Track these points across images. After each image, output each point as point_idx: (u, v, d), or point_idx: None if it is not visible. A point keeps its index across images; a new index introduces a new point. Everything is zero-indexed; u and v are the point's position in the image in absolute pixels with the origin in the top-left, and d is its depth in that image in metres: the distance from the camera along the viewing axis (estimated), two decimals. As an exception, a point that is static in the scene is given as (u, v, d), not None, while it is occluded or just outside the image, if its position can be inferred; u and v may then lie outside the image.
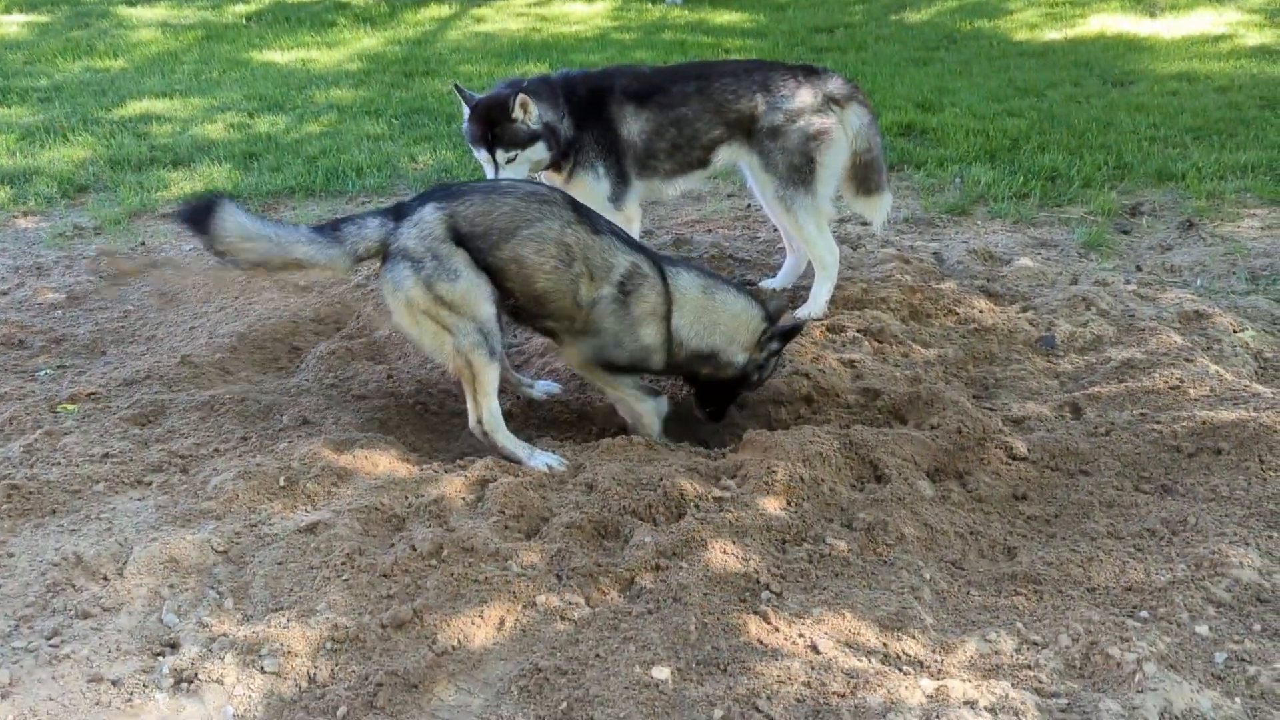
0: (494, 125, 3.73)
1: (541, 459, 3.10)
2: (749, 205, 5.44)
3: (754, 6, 10.60)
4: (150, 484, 2.96)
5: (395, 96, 7.67)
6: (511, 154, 3.76)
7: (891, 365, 3.65)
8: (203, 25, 9.67)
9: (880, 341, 3.81)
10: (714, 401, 3.39)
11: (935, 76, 7.80)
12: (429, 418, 3.59)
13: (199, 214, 2.97)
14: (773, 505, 2.79)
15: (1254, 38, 8.54)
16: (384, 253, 3.04)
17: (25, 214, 5.36)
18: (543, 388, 3.69)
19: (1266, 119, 6.43)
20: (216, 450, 3.16)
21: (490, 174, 3.80)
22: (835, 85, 3.89)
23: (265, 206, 5.64)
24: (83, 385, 3.57)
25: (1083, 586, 2.54)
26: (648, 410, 3.29)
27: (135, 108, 7.11)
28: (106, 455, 3.07)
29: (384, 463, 3.08)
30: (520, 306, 3.14)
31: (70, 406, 3.36)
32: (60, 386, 3.58)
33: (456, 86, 3.91)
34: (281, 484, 2.93)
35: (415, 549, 2.64)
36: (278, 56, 8.73)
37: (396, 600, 2.48)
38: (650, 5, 10.68)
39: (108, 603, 2.49)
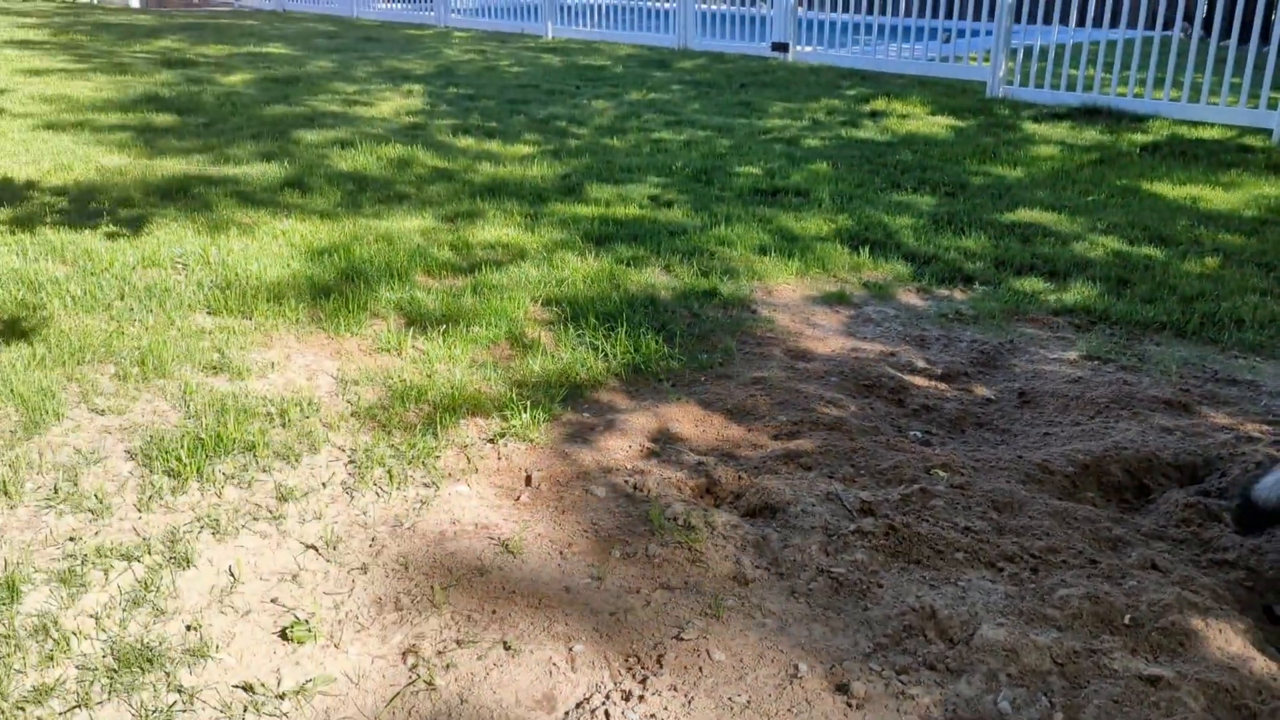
0: None
1: None
2: None
3: None
4: (1002, 570, 3.15)
5: (1293, 252, 7.00)
6: None
7: None
8: (1098, 148, 9.93)
9: None
10: None
11: None
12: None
13: None
14: None
15: None
16: None
17: (918, 290, 6.07)
18: None
19: None
20: (1064, 562, 3.24)
21: None
22: None
23: (1130, 335, 5.60)
24: (950, 455, 3.93)
25: None
26: None
27: (1024, 215, 7.59)
28: (967, 529, 3.35)
29: (1238, 643, 2.85)
30: None
31: (942, 473, 3.72)
32: (932, 451, 3.99)
33: None
34: (1125, 622, 2.90)
35: (1269, 755, 2.40)
36: (1167, 190, 8.58)
37: (1239, 799, 2.29)
38: None
39: (952, 665, 2.72)
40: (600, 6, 17.88)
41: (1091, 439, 4.28)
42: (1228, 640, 2.85)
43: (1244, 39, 11.24)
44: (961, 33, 13.82)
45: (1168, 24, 11.71)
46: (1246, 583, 3.31)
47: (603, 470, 3.69)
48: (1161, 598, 2.98)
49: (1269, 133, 10.50)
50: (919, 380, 4.87)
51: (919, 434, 4.31)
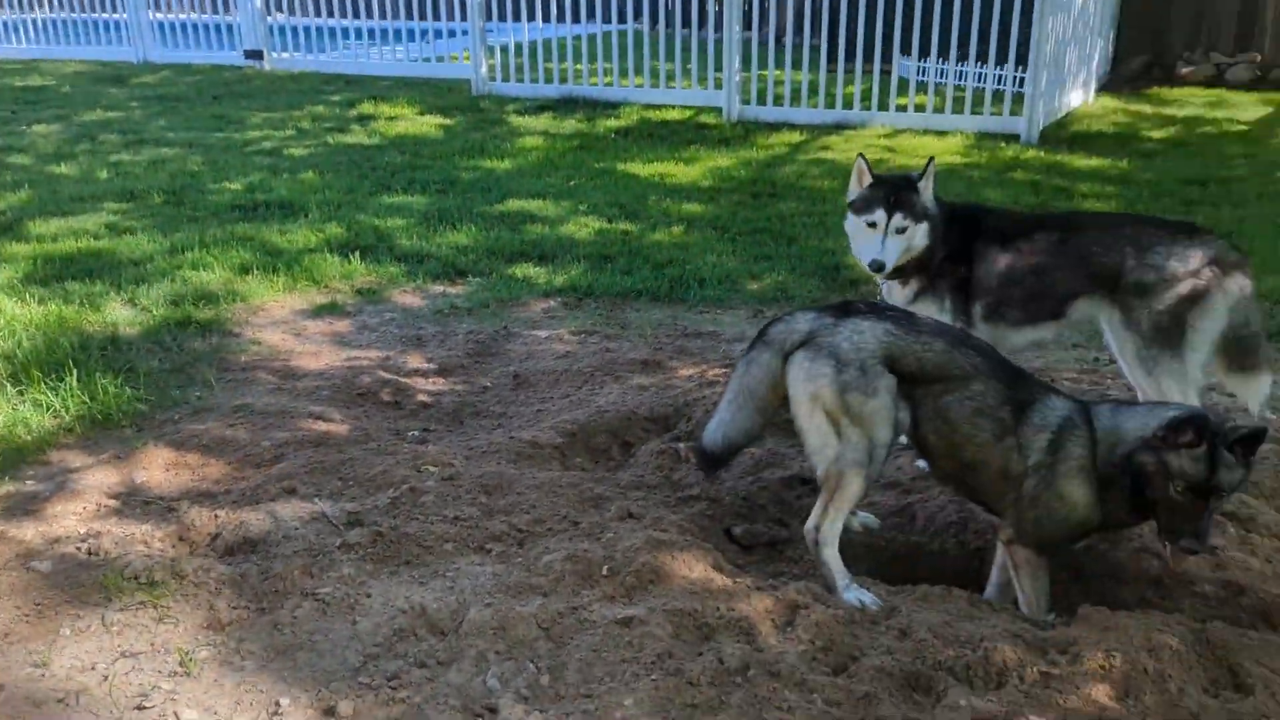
0: (898, 190, 3.79)
1: (855, 594, 3.04)
2: (1096, 358, 5.13)
3: (1116, 152, 10.09)
4: (490, 551, 3.20)
5: (741, 215, 7.96)
6: (905, 224, 3.76)
7: (1262, 559, 3.25)
8: (578, 136, 10.62)
9: (1249, 530, 3.41)
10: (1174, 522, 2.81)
11: (1332, 243, 7.03)
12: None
13: None
14: (1107, 693, 2.55)
15: None
16: (807, 341, 3.12)
17: (414, 290, 6.06)
18: (862, 519, 3.63)
19: None
20: (550, 530, 3.36)
21: (871, 244, 3.79)
22: (1217, 248, 3.61)
23: (613, 305, 6.01)
24: (443, 450, 3.94)
25: None
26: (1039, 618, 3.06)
27: (513, 205, 7.89)
28: (457, 518, 3.36)
29: (699, 569, 3.13)
30: (948, 472, 3.18)
31: (432, 468, 3.72)
32: (425, 448, 3.98)
33: (862, 156, 3.93)
34: (604, 573, 3.07)
35: (722, 662, 2.65)
36: (639, 169, 9.38)
37: (700, 711, 2.50)
38: (1003, 144, 10.47)
39: (443, 656, 2.70)
40: (36, 21, 15.77)
41: (579, 408, 4.52)
42: (691, 569, 3.12)
43: (701, 25, 12.53)
44: (441, 33, 14.10)
45: (634, 15, 12.74)
46: (709, 512, 3.67)
47: (49, 541, 3.22)
48: (634, 543, 3.19)
49: (720, 110, 11.88)
50: (417, 380, 4.85)
51: (417, 433, 4.28)
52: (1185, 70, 14.47)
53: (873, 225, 3.80)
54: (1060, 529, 2.97)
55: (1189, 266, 3.55)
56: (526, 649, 2.74)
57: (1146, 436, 2.80)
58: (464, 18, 12.82)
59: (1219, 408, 4.46)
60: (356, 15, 13.98)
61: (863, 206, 3.84)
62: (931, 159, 3.94)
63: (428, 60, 13.75)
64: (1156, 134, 11.03)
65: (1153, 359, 3.60)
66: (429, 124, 10.73)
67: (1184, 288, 3.54)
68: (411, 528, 3.27)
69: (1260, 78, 14.18)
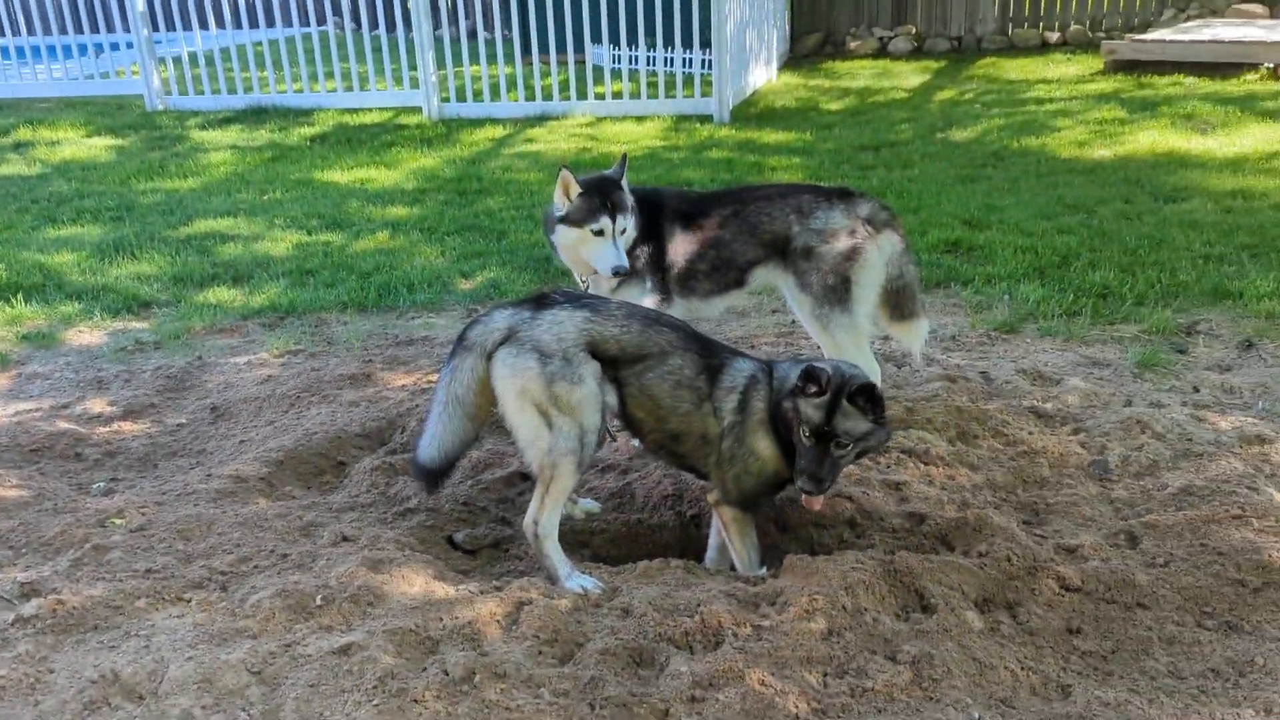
0: (611, 193, 3.79)
1: (578, 581, 3.07)
2: (793, 321, 5.45)
3: (800, 125, 10.81)
4: (190, 601, 2.97)
5: (448, 214, 7.85)
6: (625, 224, 3.80)
7: (938, 488, 3.58)
8: (271, 147, 10.10)
9: (926, 463, 3.74)
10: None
11: (982, 194, 7.85)
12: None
13: None
14: (813, 635, 2.71)
15: (1307, 154, 8.49)
16: (508, 338, 3.09)
17: (92, 328, 5.54)
18: (584, 506, 3.67)
19: (1323, 236, 6.34)
20: (256, 567, 3.17)
21: (604, 252, 3.77)
22: (869, 209, 3.92)
23: (318, 321, 5.77)
24: (131, 499, 3.63)
25: (1142, 730, 2.42)
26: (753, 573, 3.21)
27: (201, 226, 7.39)
28: (149, 571, 3.10)
29: (420, 582, 3.05)
30: (658, 444, 3.23)
31: (119, 521, 3.41)
32: (111, 500, 3.64)
33: (565, 168, 3.85)
34: (318, 603, 2.93)
35: (448, 674, 2.60)
36: (339, 176, 9.05)
37: (427, 728, 2.43)
38: (699, 125, 10.94)
39: (140, 724, 2.48)
40: None
41: (285, 434, 4.28)
42: (411, 584, 3.04)
43: (390, 28, 12.20)
44: (103, 47, 12.94)
45: (317, 20, 12.26)
46: (429, 523, 3.58)
47: None
48: (349, 567, 3.06)
49: (420, 110, 11.66)
50: (99, 427, 4.43)
51: (102, 484, 3.91)
52: (854, 44, 15.70)
53: (600, 233, 3.78)
54: (757, 483, 3.13)
55: (846, 228, 3.83)
56: (237, 698, 2.56)
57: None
58: (129, 29, 11.84)
59: (891, 358, 4.85)
60: (1, 33, 12.59)
61: (583, 217, 3.79)
62: (625, 154, 4.02)
63: (91, 77, 12.62)
64: (834, 106, 11.90)
65: (825, 316, 3.87)
66: (99, 146, 9.85)
67: (843, 248, 3.82)
68: (97, 590, 2.98)
69: (917, 48, 15.63)
